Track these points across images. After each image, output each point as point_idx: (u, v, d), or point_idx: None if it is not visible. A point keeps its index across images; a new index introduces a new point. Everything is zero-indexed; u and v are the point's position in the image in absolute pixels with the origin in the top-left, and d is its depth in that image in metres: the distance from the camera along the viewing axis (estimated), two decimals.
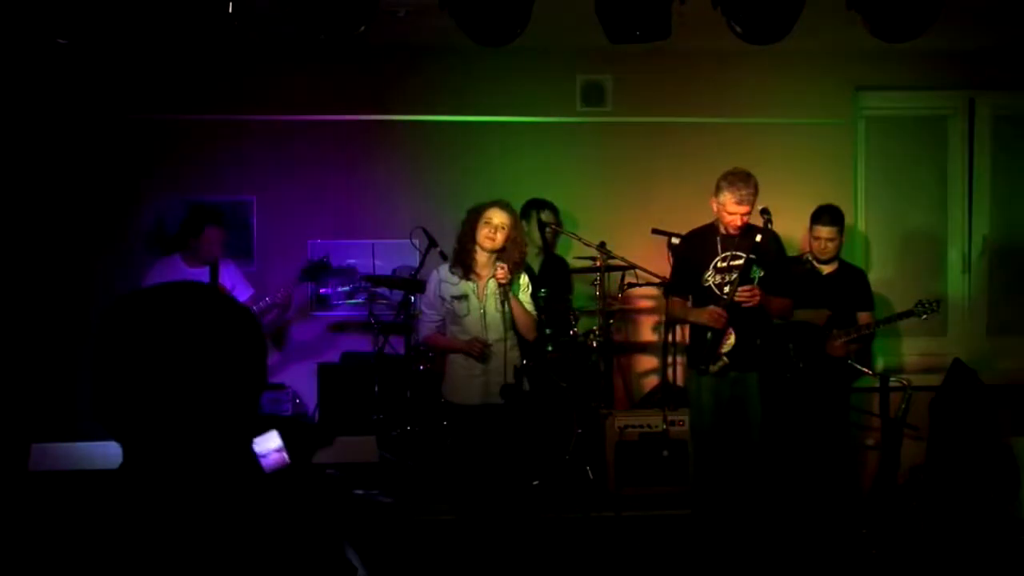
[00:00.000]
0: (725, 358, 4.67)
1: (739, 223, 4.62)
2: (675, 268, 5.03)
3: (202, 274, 5.36)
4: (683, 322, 5.10)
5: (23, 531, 1.28)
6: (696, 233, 4.90)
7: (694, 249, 4.86)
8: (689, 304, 4.88)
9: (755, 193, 4.62)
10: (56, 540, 1.25)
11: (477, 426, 4.67)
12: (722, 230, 4.73)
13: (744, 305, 4.62)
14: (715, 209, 4.71)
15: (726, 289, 4.65)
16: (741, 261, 4.66)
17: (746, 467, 4.73)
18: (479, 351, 4.62)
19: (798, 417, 5.22)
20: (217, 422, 1.31)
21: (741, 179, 4.59)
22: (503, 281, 4.57)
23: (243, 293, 5.63)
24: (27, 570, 1.25)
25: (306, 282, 5.74)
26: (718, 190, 4.65)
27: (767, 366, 4.84)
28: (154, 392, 1.28)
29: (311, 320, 6.28)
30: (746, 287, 4.61)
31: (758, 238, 4.59)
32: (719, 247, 4.73)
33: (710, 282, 4.73)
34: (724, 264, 4.72)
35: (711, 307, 4.67)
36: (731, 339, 4.67)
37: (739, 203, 4.58)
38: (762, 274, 4.69)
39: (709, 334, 4.67)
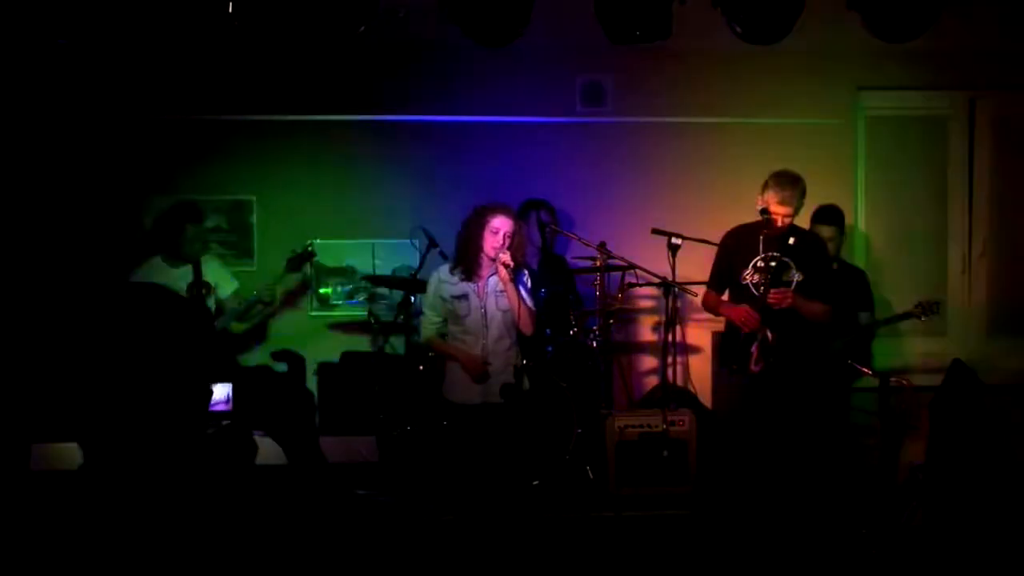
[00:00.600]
0: (769, 358, 4.63)
1: (780, 223, 4.59)
2: (716, 261, 4.95)
3: (185, 272, 5.36)
4: (715, 313, 5.06)
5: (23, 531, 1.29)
6: (743, 229, 4.84)
7: (738, 245, 4.80)
8: (725, 299, 4.87)
9: (800, 196, 4.57)
10: (27, 540, 1.27)
11: (477, 426, 4.68)
12: (766, 229, 4.71)
13: (775, 307, 4.58)
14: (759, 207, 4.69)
15: (762, 289, 4.63)
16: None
17: (765, 470, 4.70)
18: (477, 372, 4.63)
19: (798, 417, 5.22)
20: (164, 420, 1.32)
21: (787, 181, 4.56)
22: (510, 264, 4.58)
23: (228, 288, 5.61)
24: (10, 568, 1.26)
25: (292, 272, 5.68)
26: (764, 188, 4.62)
27: (804, 369, 4.78)
28: (102, 393, 1.29)
29: (310, 320, 6.28)
30: (778, 289, 4.57)
31: (791, 240, 4.54)
32: (761, 246, 4.70)
33: (748, 280, 4.69)
34: (763, 264, 4.68)
35: (744, 305, 4.65)
36: (763, 340, 4.64)
37: (781, 203, 4.54)
38: (800, 278, 4.64)
39: (742, 334, 4.65)
